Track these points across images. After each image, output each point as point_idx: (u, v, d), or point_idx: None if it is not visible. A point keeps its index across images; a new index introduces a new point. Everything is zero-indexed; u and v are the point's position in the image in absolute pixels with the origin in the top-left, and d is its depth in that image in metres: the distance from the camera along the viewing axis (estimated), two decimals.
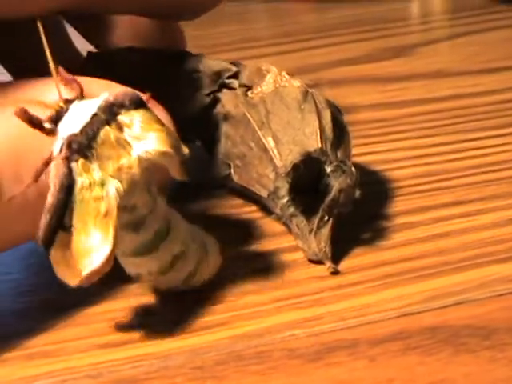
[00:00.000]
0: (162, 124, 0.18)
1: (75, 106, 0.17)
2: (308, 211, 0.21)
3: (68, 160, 0.17)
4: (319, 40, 0.42)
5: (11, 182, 0.17)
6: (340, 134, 0.22)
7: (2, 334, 0.19)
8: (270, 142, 0.22)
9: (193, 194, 0.25)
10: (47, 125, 0.17)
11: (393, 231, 0.23)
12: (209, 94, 0.24)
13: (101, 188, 0.17)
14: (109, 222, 0.17)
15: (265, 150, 0.22)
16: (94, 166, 0.17)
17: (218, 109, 0.24)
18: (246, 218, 0.24)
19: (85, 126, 0.17)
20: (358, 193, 0.22)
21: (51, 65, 0.18)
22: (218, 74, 0.24)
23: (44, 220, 0.17)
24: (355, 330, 0.18)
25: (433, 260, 0.21)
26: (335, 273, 0.21)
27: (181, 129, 0.23)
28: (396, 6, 0.47)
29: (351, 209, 0.21)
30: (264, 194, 0.22)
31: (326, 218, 0.21)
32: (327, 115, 0.22)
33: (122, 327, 0.19)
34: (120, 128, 0.17)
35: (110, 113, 0.17)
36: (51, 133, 0.17)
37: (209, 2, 0.24)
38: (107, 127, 0.17)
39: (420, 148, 0.28)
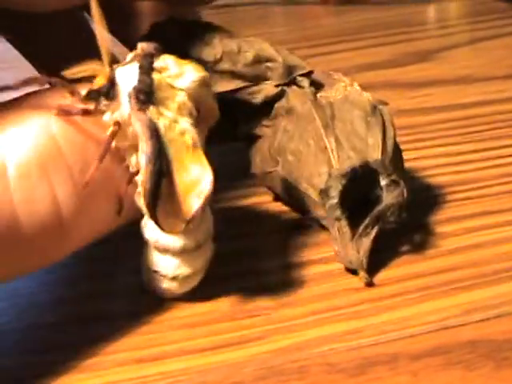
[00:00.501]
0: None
1: (119, 70, 0.18)
2: (351, 219, 0.21)
3: (142, 110, 0.18)
4: (341, 44, 0.41)
5: (82, 170, 0.18)
6: (398, 153, 0.23)
7: (38, 348, 0.19)
8: (331, 143, 0.22)
9: (230, 197, 0.25)
10: (103, 101, 0.18)
11: (425, 242, 0.23)
12: (277, 86, 0.24)
13: (178, 124, 0.18)
14: (198, 151, 0.18)
15: (324, 149, 0.22)
16: (162, 109, 0.18)
17: (282, 102, 0.24)
18: (280, 227, 0.24)
19: (140, 78, 0.18)
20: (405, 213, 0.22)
21: (100, 34, 0.18)
22: (291, 69, 0.24)
23: (146, 172, 0.17)
24: (395, 343, 0.18)
25: (468, 272, 0.21)
26: (369, 284, 0.21)
27: (242, 115, 0.24)
28: (414, 10, 0.47)
29: (394, 226, 0.21)
30: (311, 193, 0.22)
31: (370, 228, 0.21)
32: (391, 132, 0.23)
33: (159, 341, 0.19)
34: (160, 72, 0.18)
35: (148, 62, 0.18)
36: (110, 101, 0.18)
37: None
38: (154, 73, 0.18)
39: (448, 156, 0.28)
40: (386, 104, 0.23)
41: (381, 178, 0.21)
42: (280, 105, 0.24)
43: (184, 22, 0.24)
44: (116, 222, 0.19)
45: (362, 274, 0.21)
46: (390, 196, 0.21)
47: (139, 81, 0.18)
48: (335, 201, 0.21)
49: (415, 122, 0.31)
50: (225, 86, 0.23)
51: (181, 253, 0.19)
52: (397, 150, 0.23)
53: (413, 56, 0.39)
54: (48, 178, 0.17)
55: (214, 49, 0.23)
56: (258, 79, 0.24)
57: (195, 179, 0.18)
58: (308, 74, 0.24)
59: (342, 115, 0.23)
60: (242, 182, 0.26)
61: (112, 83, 0.18)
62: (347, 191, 0.21)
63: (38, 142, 0.17)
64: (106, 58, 0.18)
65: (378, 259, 0.22)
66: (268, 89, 0.24)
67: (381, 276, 0.21)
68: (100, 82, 0.18)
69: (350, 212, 0.22)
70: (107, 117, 0.18)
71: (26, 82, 0.18)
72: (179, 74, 0.19)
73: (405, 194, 0.21)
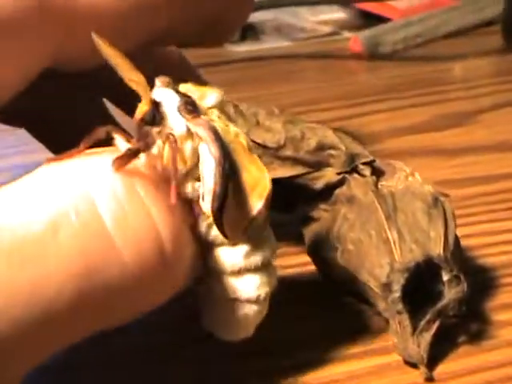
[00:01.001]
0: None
1: (155, 94, 0.18)
2: (412, 311, 0.22)
3: (198, 117, 0.18)
4: (376, 104, 0.41)
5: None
6: (458, 245, 0.23)
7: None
8: (393, 235, 0.22)
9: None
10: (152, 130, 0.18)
11: (482, 332, 0.23)
12: (339, 173, 0.24)
13: (230, 127, 0.19)
14: (252, 152, 0.19)
15: (386, 241, 0.22)
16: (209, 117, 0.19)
17: (343, 189, 0.24)
18: (334, 312, 0.24)
19: (179, 95, 0.18)
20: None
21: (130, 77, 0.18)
22: (353, 157, 0.24)
23: (216, 175, 0.18)
24: None
25: None
26: (429, 379, 0.21)
27: (300, 197, 0.24)
28: (443, 67, 0.47)
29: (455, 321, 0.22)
30: (372, 284, 0.22)
31: (432, 323, 0.21)
32: (452, 225, 0.23)
33: None
34: None
35: (174, 87, 0.19)
36: (157, 126, 0.18)
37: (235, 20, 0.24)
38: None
39: (494, 234, 0.28)
40: (447, 196, 0.23)
41: (443, 273, 0.22)
42: (340, 191, 0.24)
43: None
44: None
45: (423, 369, 0.21)
46: (451, 291, 0.21)
47: (181, 95, 0.18)
48: (397, 295, 0.21)
49: (457, 194, 0.31)
50: (287, 171, 0.24)
51: (260, 269, 0.19)
52: (457, 242, 0.23)
53: (448, 119, 0.40)
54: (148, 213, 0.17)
55: (278, 134, 0.24)
56: (319, 166, 0.24)
57: (255, 179, 0.18)
58: (370, 163, 0.24)
59: (403, 206, 0.23)
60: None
61: (156, 105, 0.18)
62: (409, 285, 0.22)
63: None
64: (142, 85, 0.18)
65: (435, 351, 0.22)
66: (329, 175, 0.24)
67: (439, 370, 0.21)
68: (143, 109, 0.18)
69: (411, 304, 0.22)
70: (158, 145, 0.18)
71: (90, 139, 0.18)
72: (202, 97, 0.19)
73: (465, 289, 0.22)
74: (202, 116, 0.18)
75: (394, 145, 0.37)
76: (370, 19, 0.53)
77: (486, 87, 0.44)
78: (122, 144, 0.18)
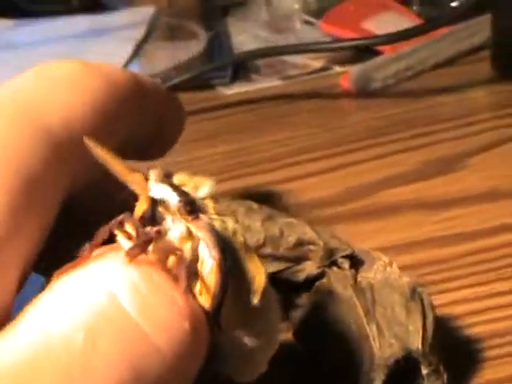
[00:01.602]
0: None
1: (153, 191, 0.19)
2: None
3: (197, 218, 0.18)
4: (367, 151, 0.41)
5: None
6: (438, 335, 0.23)
7: None
8: (373, 331, 0.23)
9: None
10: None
11: None
12: (319, 267, 0.25)
13: (227, 225, 0.19)
14: (249, 248, 0.19)
15: (366, 336, 0.23)
16: (207, 214, 0.19)
17: (323, 282, 0.25)
18: None
19: (178, 193, 0.19)
20: None
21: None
22: (332, 251, 0.25)
23: (217, 277, 0.18)
24: None
25: None
26: None
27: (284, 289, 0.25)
28: (436, 102, 0.47)
29: None
30: (354, 376, 0.23)
31: None
32: (430, 316, 0.23)
33: None
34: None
35: (171, 181, 0.19)
36: (156, 225, 0.18)
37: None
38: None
39: (479, 300, 0.29)
40: (423, 286, 0.24)
41: (422, 367, 0.22)
42: (321, 283, 0.25)
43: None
44: None
45: None
46: None
47: (180, 194, 0.19)
48: None
49: (443, 255, 0.32)
50: (267, 268, 0.24)
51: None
52: (437, 332, 0.24)
53: (437, 164, 0.40)
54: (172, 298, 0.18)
55: (257, 234, 0.25)
56: (299, 260, 0.25)
57: (252, 276, 0.19)
58: (348, 256, 0.25)
59: (382, 299, 0.24)
60: None
61: (154, 203, 0.18)
62: (390, 379, 0.22)
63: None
64: (138, 183, 0.19)
65: None
66: (310, 269, 0.25)
67: None
68: (142, 207, 0.18)
69: None
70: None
71: (95, 243, 0.18)
72: (196, 187, 0.20)
73: (445, 381, 0.22)
74: (201, 215, 0.19)
75: (384, 198, 0.37)
76: (361, 52, 0.54)
77: (477, 124, 0.44)
78: (124, 242, 0.18)
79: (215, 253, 0.18)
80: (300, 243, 0.25)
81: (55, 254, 0.19)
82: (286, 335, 0.27)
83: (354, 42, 0.50)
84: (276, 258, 0.25)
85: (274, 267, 0.25)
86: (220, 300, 0.18)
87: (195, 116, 0.47)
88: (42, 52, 0.60)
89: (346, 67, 0.53)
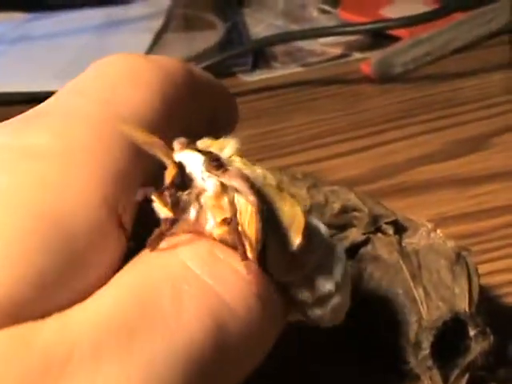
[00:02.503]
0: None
1: (178, 157, 0.19)
2: (442, 367, 0.23)
3: (227, 170, 0.19)
4: (393, 132, 0.42)
5: None
6: (482, 299, 0.24)
7: None
8: (420, 294, 0.23)
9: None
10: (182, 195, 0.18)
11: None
12: (364, 233, 0.25)
13: (257, 170, 0.19)
14: (282, 190, 0.19)
15: (413, 300, 0.23)
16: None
17: (368, 249, 0.25)
18: (368, 370, 0.25)
19: (202, 153, 0.19)
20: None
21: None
22: (376, 218, 0.25)
23: (256, 222, 0.18)
24: None
25: None
26: None
27: None
28: (456, 86, 0.48)
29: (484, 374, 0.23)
30: (400, 340, 0.23)
31: (461, 377, 0.22)
32: (475, 280, 0.24)
33: None
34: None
35: (193, 146, 0.19)
36: (186, 189, 0.19)
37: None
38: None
39: None
40: (468, 250, 0.24)
41: (469, 329, 0.23)
42: (365, 251, 0.25)
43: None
44: None
45: None
46: (478, 346, 0.22)
47: (204, 154, 0.19)
48: (427, 352, 0.23)
49: (479, 228, 0.32)
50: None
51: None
52: (481, 296, 0.24)
53: (463, 145, 0.40)
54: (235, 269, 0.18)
55: (303, 202, 0.25)
56: (344, 227, 0.25)
57: (290, 217, 0.19)
58: (393, 222, 0.25)
59: (428, 264, 0.24)
60: None
61: (181, 167, 0.19)
62: (437, 341, 0.23)
63: None
64: (165, 153, 0.19)
65: None
66: (354, 235, 0.25)
67: None
68: (171, 174, 0.18)
69: (440, 357, 0.23)
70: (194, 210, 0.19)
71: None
72: (221, 148, 0.19)
73: (491, 343, 0.23)
74: (229, 167, 0.19)
75: (412, 177, 0.38)
76: (379, 38, 0.54)
77: (498, 106, 0.45)
78: (159, 209, 0.19)
79: (252, 197, 0.18)
80: (345, 210, 0.25)
81: None
82: None
83: (372, 26, 0.50)
84: None
85: None
86: (263, 245, 0.18)
87: None
88: (59, 45, 0.60)
89: (364, 54, 0.53)
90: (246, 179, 0.18)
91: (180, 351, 0.17)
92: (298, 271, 0.20)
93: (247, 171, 0.19)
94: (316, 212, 0.25)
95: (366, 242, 0.25)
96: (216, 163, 0.19)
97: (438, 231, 0.25)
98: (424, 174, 0.38)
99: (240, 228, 0.18)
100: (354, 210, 0.25)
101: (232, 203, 0.18)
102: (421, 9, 0.54)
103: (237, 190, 0.18)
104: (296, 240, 0.19)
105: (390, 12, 0.55)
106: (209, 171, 0.19)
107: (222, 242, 0.19)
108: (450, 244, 0.24)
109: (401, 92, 0.48)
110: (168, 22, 0.62)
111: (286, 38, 0.52)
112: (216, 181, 0.19)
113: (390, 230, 0.25)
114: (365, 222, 0.25)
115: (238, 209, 0.19)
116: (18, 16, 0.66)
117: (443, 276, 0.24)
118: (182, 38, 0.60)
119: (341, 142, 0.42)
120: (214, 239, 0.19)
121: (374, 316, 0.24)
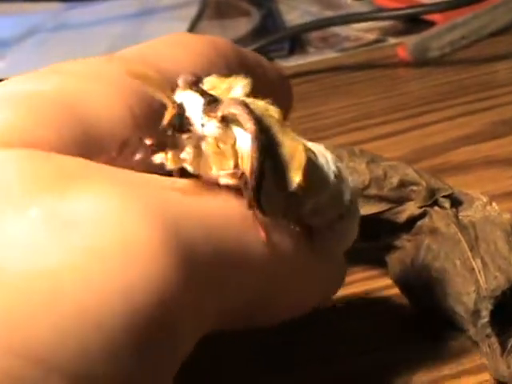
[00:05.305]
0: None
1: (178, 97, 0.18)
2: (499, 335, 0.23)
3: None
4: (431, 114, 0.42)
5: None
6: None
7: None
8: (478, 264, 0.24)
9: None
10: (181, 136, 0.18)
11: None
12: (421, 207, 0.26)
13: (259, 101, 0.18)
14: (285, 124, 0.18)
15: (471, 270, 0.24)
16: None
17: (425, 222, 0.26)
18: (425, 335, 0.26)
19: (202, 95, 0.18)
20: None
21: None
22: (433, 191, 0.26)
23: (253, 151, 0.17)
24: None
25: None
26: None
27: (384, 229, 0.26)
28: (490, 69, 0.48)
29: None
30: (459, 310, 0.24)
31: None
32: None
33: None
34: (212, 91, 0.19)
35: (198, 86, 0.18)
36: (186, 132, 0.18)
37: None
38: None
39: None
40: None
41: None
42: (423, 223, 0.26)
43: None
44: None
45: None
46: None
47: (205, 95, 0.18)
48: (486, 320, 0.23)
49: None
50: (371, 208, 0.26)
51: None
52: None
53: (503, 125, 0.41)
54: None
55: (362, 176, 0.26)
56: (402, 201, 0.26)
57: (291, 152, 0.18)
58: (449, 196, 0.26)
59: (485, 236, 0.25)
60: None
61: (180, 108, 0.18)
62: (495, 309, 0.23)
63: None
64: (165, 91, 0.18)
65: None
66: (412, 209, 0.26)
67: None
68: (169, 115, 0.17)
69: (498, 325, 0.24)
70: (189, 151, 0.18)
71: (124, 146, 0.18)
72: (229, 88, 0.19)
73: None
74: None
75: (454, 158, 0.38)
76: (414, 23, 0.55)
77: None
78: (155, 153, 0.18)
79: (250, 124, 0.17)
80: (403, 184, 0.26)
81: None
82: (382, 280, 0.28)
83: (409, 11, 0.51)
84: (380, 198, 0.26)
85: (379, 207, 0.26)
86: (260, 176, 0.17)
87: None
88: (96, 33, 0.61)
89: (399, 38, 0.54)
90: (245, 105, 0.17)
91: None
92: (294, 212, 0.19)
93: (248, 100, 0.18)
94: (375, 186, 0.26)
95: (423, 215, 0.26)
96: (214, 104, 0.18)
97: (494, 204, 0.25)
98: (464, 154, 0.38)
99: (243, 174, 0.17)
100: (412, 184, 0.26)
101: (233, 148, 0.18)
102: None
103: (236, 120, 0.17)
104: (295, 178, 0.18)
105: None
106: (208, 115, 0.18)
107: (227, 187, 0.18)
108: (506, 216, 0.25)
109: (437, 75, 0.48)
110: (202, 10, 0.62)
111: (323, 24, 0.53)
112: (216, 126, 0.18)
113: (447, 204, 0.26)
114: (422, 195, 0.26)
115: (240, 154, 0.18)
116: (54, 5, 0.67)
117: (500, 247, 0.24)
118: (217, 25, 0.61)
119: (381, 125, 0.43)
120: (219, 185, 0.18)
121: (433, 286, 0.25)
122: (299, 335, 0.25)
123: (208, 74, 0.19)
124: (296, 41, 0.55)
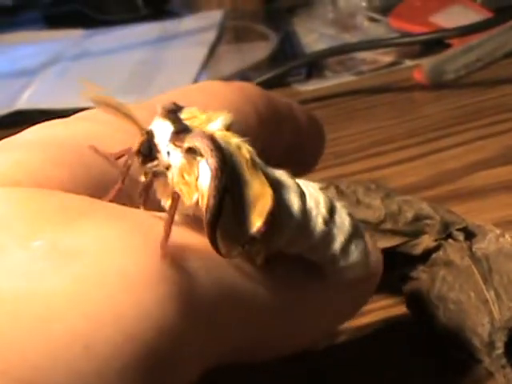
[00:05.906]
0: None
1: (152, 126, 0.18)
2: None
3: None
4: (448, 139, 0.43)
5: None
6: None
7: None
8: (491, 296, 0.25)
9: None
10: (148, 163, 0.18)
11: None
12: (436, 240, 0.27)
13: (232, 139, 0.18)
14: (256, 166, 0.18)
15: (485, 302, 0.25)
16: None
17: (440, 255, 0.27)
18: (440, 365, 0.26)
19: (175, 125, 0.17)
20: None
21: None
22: (447, 225, 0.27)
23: (211, 188, 0.17)
24: None
25: None
26: None
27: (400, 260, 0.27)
28: (506, 92, 0.49)
29: None
30: (475, 340, 0.25)
31: None
32: None
33: None
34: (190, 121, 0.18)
35: (175, 115, 0.18)
36: (153, 160, 0.17)
37: None
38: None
39: None
40: None
41: None
42: (438, 256, 0.26)
43: None
44: None
45: None
46: None
47: (177, 125, 0.17)
48: (500, 351, 0.24)
49: None
50: (387, 242, 0.26)
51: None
52: None
53: None
54: None
55: (378, 211, 0.27)
56: (416, 234, 0.27)
57: (256, 195, 0.17)
58: (463, 229, 0.27)
59: (498, 268, 0.25)
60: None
61: (150, 136, 0.17)
62: (510, 340, 0.24)
63: None
64: (134, 118, 0.18)
65: None
66: (427, 242, 0.27)
67: None
68: (137, 142, 0.17)
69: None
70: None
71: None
72: (208, 120, 0.18)
73: None
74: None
75: (469, 183, 0.39)
76: (429, 45, 0.55)
77: None
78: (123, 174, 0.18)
79: (212, 160, 0.17)
80: (417, 218, 0.27)
81: None
82: (398, 309, 0.29)
83: (430, 36, 0.52)
84: (395, 232, 0.27)
85: (393, 242, 0.27)
86: (216, 214, 0.17)
87: None
88: (117, 60, 0.62)
89: (416, 61, 0.55)
90: (212, 140, 0.17)
91: None
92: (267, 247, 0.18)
93: (219, 134, 0.18)
94: (390, 220, 0.27)
95: (437, 248, 0.27)
96: (182, 135, 0.17)
97: (507, 236, 0.26)
98: (481, 179, 0.39)
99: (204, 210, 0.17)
100: (426, 217, 0.27)
101: (198, 180, 0.17)
102: (470, 14, 0.56)
103: (200, 154, 0.17)
104: (257, 222, 0.17)
105: (440, 18, 0.56)
106: (174, 144, 0.17)
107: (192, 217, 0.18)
108: None
109: (453, 98, 0.49)
110: (221, 35, 0.64)
111: (343, 50, 0.54)
112: (181, 156, 0.17)
113: (461, 237, 0.26)
114: (436, 228, 0.26)
115: (200, 188, 0.17)
116: (75, 33, 0.68)
117: None
118: (236, 49, 0.62)
119: (399, 150, 0.43)
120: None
121: (449, 316, 0.26)
122: (314, 362, 0.26)
123: (237, 122, 0.19)
124: (313, 65, 0.56)
